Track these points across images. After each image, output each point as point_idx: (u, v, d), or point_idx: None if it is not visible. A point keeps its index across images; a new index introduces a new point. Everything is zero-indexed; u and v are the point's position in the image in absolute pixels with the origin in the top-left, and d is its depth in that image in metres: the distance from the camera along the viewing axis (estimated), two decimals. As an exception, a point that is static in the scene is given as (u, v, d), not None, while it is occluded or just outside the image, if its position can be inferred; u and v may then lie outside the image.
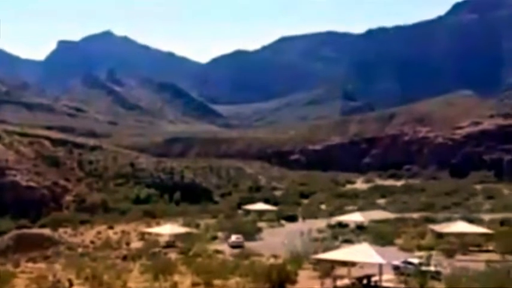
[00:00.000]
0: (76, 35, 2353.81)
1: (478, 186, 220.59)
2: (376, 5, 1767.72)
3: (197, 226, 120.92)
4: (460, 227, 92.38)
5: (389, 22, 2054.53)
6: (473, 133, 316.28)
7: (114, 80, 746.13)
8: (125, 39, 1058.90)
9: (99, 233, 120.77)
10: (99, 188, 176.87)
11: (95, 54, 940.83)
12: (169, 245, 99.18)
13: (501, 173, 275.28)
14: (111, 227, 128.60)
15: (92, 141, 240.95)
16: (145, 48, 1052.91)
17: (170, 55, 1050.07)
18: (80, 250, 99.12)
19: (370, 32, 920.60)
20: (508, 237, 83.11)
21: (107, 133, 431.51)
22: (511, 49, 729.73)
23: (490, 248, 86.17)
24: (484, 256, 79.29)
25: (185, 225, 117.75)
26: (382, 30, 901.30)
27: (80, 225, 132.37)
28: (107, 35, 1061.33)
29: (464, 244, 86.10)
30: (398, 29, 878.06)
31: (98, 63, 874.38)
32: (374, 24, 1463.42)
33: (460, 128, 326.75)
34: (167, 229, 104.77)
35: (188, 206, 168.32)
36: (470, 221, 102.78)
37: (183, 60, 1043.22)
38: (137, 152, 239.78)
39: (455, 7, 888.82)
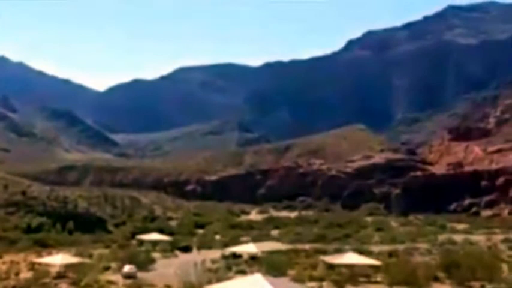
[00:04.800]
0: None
1: (368, 219, 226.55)
2: (274, 39, 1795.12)
3: (90, 256, 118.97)
4: (350, 258, 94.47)
5: (286, 56, 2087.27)
6: (365, 167, 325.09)
7: (8, 105, 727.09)
8: (20, 65, 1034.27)
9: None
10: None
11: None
12: (61, 275, 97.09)
13: (390, 206, 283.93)
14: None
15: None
16: (41, 74, 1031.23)
17: (66, 82, 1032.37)
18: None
19: (267, 65, 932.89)
20: (396, 268, 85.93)
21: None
22: (402, 86, 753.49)
23: (379, 279, 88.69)
24: (373, 287, 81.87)
25: (77, 255, 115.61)
26: (279, 64, 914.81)
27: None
28: (1, 60, 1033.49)
29: (354, 275, 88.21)
30: (294, 63, 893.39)
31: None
32: (272, 58, 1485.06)
33: (352, 161, 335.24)
34: (58, 259, 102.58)
35: (81, 235, 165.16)
36: (360, 252, 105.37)
37: (80, 88, 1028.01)
38: (30, 180, 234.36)
39: (349, 44, 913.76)
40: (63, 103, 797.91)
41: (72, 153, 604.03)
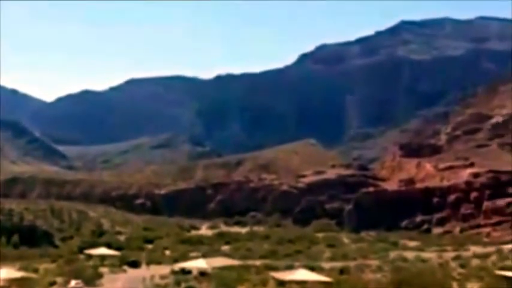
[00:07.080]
0: None
1: (320, 235, 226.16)
2: (226, 52, 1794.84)
3: (35, 271, 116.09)
4: (302, 274, 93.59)
5: (237, 69, 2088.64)
6: (316, 182, 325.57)
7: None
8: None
9: None
10: None
11: None
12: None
13: (342, 222, 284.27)
14: None
15: None
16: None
17: (13, 92, 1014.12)
18: None
19: (218, 78, 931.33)
20: (347, 285, 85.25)
21: None
22: (354, 101, 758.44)
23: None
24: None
25: (22, 269, 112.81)
26: (230, 77, 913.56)
27: None
28: None
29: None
30: (246, 76, 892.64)
31: None
32: (223, 71, 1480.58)
33: (304, 176, 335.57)
34: (2, 274, 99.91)
35: (27, 249, 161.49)
36: (312, 268, 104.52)
37: (27, 98, 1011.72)
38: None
39: (302, 58, 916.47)
40: (10, 113, 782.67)
41: (18, 165, 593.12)
